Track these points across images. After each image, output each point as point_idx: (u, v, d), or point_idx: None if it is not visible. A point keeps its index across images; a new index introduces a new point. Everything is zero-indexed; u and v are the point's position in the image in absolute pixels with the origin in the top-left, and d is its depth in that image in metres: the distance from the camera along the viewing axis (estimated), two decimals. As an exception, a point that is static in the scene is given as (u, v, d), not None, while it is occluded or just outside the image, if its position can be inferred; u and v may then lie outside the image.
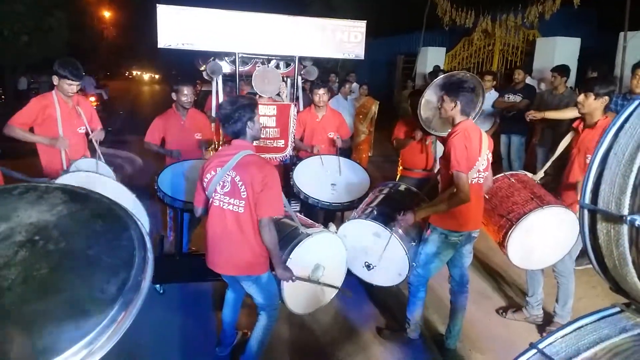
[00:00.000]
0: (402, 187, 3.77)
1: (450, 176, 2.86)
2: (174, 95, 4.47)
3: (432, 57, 12.39)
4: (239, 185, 2.58)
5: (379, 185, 3.87)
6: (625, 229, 0.88)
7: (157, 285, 3.95)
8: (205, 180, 2.69)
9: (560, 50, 8.85)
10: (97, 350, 0.95)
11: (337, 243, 3.20)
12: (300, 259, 2.90)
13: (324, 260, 3.07)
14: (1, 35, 13.80)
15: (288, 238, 2.97)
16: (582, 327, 0.97)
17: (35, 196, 1.25)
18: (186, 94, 4.40)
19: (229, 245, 2.68)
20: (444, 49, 12.74)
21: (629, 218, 0.86)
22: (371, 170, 6.00)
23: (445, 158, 2.92)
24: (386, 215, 3.27)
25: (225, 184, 2.63)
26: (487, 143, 3.00)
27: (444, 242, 3.07)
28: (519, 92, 6.55)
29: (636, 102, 0.96)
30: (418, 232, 3.36)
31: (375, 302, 4.00)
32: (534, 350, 0.96)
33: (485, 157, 2.98)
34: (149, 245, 1.21)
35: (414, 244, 3.27)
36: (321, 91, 4.61)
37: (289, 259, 2.83)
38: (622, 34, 7.27)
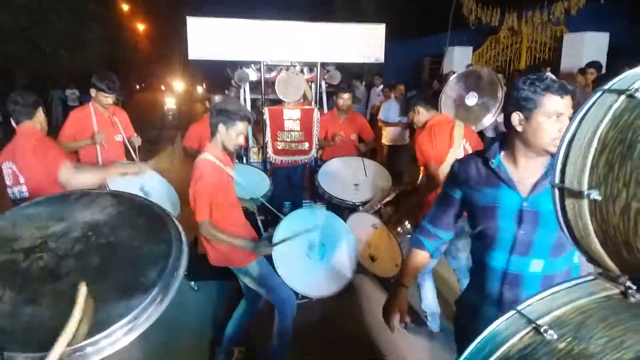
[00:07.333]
0: (409, 187, 4.02)
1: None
2: (207, 103, 4.74)
3: (459, 56, 12.33)
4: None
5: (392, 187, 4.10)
6: (585, 202, 1.01)
7: (192, 282, 4.18)
8: None
9: (589, 46, 8.71)
10: (139, 325, 1.12)
11: (318, 215, 3.38)
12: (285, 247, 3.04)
13: (314, 236, 3.23)
14: (43, 52, 14.54)
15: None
16: (557, 291, 1.09)
17: (89, 200, 1.48)
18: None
19: (206, 241, 2.86)
20: (470, 48, 12.67)
21: (586, 192, 0.99)
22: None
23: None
24: (388, 210, 3.63)
25: None
26: (460, 133, 3.21)
27: None
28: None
29: (599, 93, 1.08)
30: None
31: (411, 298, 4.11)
32: (514, 311, 1.09)
33: (460, 146, 3.19)
34: (184, 238, 1.37)
35: (409, 236, 3.46)
36: (346, 95, 4.78)
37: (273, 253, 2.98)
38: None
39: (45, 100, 17.29)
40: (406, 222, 3.76)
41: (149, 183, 3.50)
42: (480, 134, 6.96)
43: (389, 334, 3.59)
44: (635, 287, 1.05)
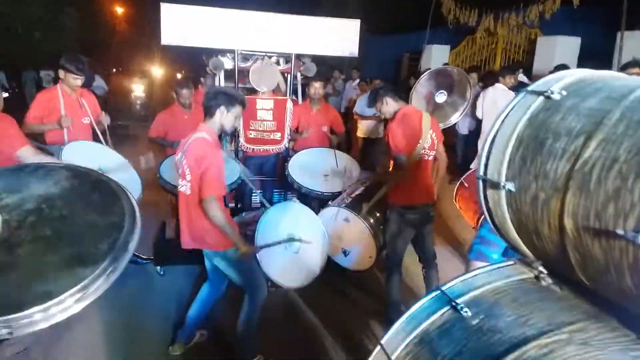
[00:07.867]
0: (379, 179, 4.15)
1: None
2: (174, 95, 4.78)
3: (437, 55, 12.52)
4: (185, 167, 2.73)
5: (361, 178, 4.17)
6: (503, 193, 1.11)
7: (158, 267, 4.21)
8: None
9: (561, 49, 8.98)
10: (89, 295, 1.17)
11: (298, 210, 3.48)
12: (265, 238, 3.19)
13: (294, 231, 3.34)
14: (15, 33, 14.18)
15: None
16: (478, 274, 1.19)
17: (44, 173, 1.50)
18: (184, 96, 4.70)
19: (187, 223, 2.84)
20: (448, 47, 12.87)
21: (503, 184, 1.08)
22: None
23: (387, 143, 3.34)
24: (358, 204, 3.70)
25: (178, 167, 2.82)
26: (428, 123, 3.29)
27: (402, 221, 3.36)
28: (511, 89, 6.70)
29: (522, 94, 1.18)
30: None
31: (375, 290, 4.22)
32: (438, 291, 1.18)
33: (428, 136, 3.29)
34: (137, 213, 1.42)
35: (382, 227, 3.63)
36: (317, 84, 4.86)
37: (257, 244, 3.11)
38: (619, 33, 7.37)
39: (19, 82, 16.85)
40: (377, 213, 3.86)
41: (108, 164, 3.51)
42: (453, 130, 7.13)
43: (356, 325, 3.71)
44: (546, 272, 1.16)
